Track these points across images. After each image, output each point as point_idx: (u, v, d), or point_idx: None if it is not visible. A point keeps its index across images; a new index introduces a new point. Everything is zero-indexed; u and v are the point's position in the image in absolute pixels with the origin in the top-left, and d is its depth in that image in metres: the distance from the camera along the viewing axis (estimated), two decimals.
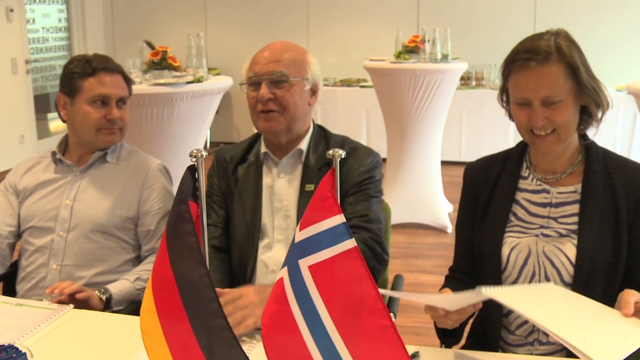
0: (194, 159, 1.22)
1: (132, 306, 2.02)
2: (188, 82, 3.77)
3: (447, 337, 1.72)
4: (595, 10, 7.33)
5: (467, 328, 1.83)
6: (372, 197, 1.94)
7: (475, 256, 1.79)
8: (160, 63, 3.83)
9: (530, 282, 1.68)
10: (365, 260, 1.04)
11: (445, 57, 5.02)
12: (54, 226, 2.13)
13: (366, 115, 7.39)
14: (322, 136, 2.03)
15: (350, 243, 1.04)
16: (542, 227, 1.70)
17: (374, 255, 1.86)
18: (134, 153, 2.27)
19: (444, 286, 1.79)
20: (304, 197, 1.92)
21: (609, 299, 1.50)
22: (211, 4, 8.52)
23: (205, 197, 1.29)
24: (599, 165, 1.68)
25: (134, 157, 2.26)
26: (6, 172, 2.53)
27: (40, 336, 1.63)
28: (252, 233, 1.95)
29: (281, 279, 1.14)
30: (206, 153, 1.26)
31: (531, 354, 1.70)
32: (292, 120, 1.92)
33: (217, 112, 4.21)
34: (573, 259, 1.63)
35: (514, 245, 1.70)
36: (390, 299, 2.08)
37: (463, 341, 1.86)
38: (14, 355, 1.45)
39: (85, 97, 2.15)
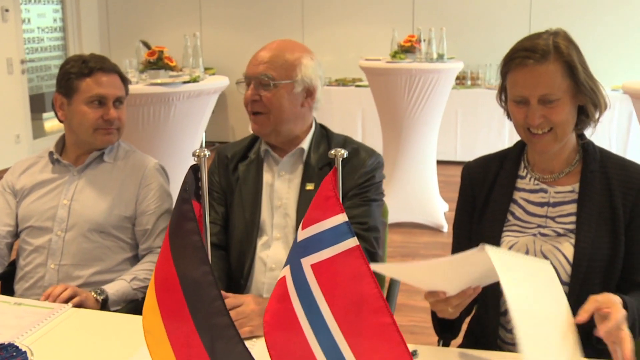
0: (196, 159, 1.23)
1: (130, 305, 2.02)
2: (184, 82, 3.77)
3: (445, 333, 1.72)
4: (591, 10, 7.35)
5: (465, 327, 1.83)
6: (373, 201, 1.93)
7: None
8: (157, 63, 3.83)
9: None
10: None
11: (440, 57, 5.03)
12: (51, 226, 2.13)
13: (362, 114, 7.39)
14: (324, 136, 2.03)
15: (353, 242, 1.05)
16: (539, 226, 1.71)
17: None
18: (131, 152, 2.27)
19: None
20: (303, 196, 1.91)
21: None
22: (206, 3, 8.51)
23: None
24: (597, 165, 1.69)
25: (131, 156, 2.26)
26: (1, 171, 2.53)
27: (39, 335, 1.63)
28: (251, 230, 1.95)
29: (284, 278, 1.14)
30: (209, 153, 1.26)
31: None
32: (278, 122, 1.91)
33: (213, 111, 4.21)
34: (570, 258, 1.64)
35: (512, 244, 1.71)
36: (387, 298, 2.08)
37: (460, 340, 1.86)
38: (14, 353, 1.46)
39: (82, 97, 2.15)
